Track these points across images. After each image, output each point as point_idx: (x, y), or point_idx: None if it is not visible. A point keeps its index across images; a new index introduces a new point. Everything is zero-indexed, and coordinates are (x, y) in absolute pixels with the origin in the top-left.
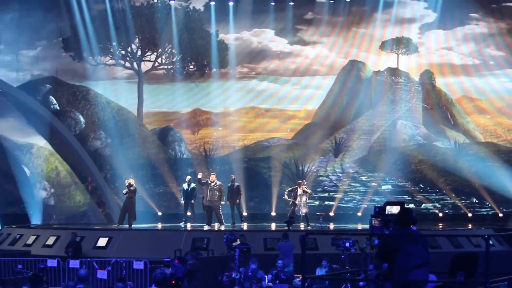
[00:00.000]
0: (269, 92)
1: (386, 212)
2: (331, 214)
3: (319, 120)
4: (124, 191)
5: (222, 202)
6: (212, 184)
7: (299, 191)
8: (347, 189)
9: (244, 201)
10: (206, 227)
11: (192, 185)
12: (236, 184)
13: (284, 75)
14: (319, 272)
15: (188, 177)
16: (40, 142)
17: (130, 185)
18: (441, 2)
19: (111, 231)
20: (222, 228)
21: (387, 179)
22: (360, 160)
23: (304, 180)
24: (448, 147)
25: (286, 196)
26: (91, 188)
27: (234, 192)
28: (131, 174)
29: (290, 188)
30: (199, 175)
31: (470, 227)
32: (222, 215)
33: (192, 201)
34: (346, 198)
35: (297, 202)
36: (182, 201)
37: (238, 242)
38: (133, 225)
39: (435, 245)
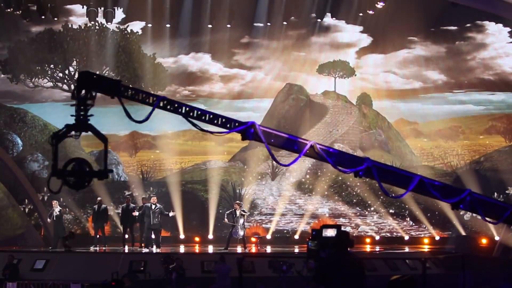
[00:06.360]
0: None
1: (323, 235)
2: (268, 237)
3: (256, 142)
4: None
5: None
6: (154, 207)
7: (237, 213)
8: (284, 212)
9: (181, 224)
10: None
11: (103, 206)
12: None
13: (220, 97)
14: None
15: (99, 198)
16: None
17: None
18: (378, 26)
19: (48, 253)
20: (159, 250)
21: (324, 202)
22: (297, 183)
23: (241, 202)
24: None
25: (226, 220)
26: (28, 211)
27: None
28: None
29: (228, 211)
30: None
31: (407, 249)
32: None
33: (105, 223)
34: (283, 221)
35: (235, 224)
36: (92, 224)
37: (175, 264)
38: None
39: (372, 267)
